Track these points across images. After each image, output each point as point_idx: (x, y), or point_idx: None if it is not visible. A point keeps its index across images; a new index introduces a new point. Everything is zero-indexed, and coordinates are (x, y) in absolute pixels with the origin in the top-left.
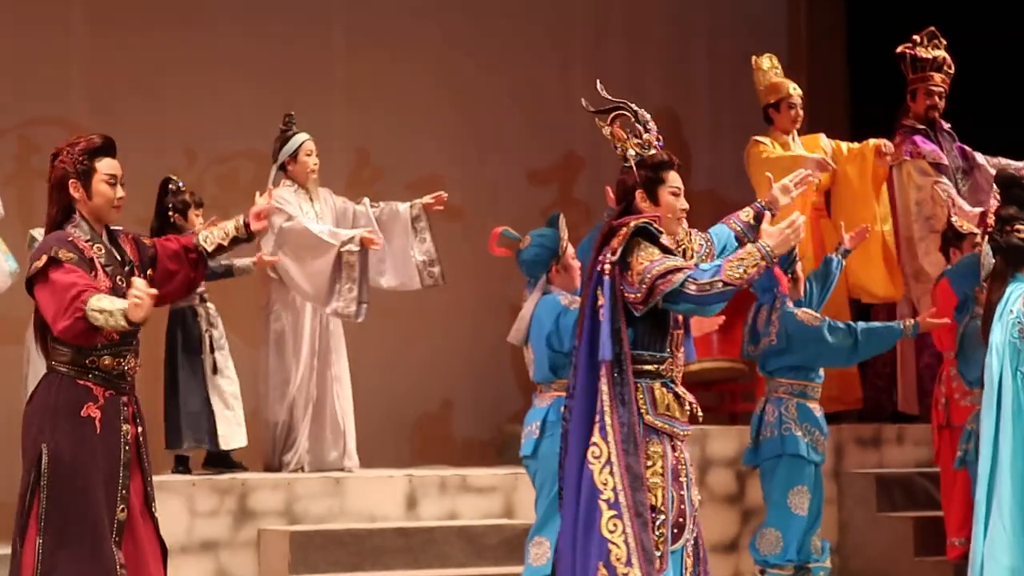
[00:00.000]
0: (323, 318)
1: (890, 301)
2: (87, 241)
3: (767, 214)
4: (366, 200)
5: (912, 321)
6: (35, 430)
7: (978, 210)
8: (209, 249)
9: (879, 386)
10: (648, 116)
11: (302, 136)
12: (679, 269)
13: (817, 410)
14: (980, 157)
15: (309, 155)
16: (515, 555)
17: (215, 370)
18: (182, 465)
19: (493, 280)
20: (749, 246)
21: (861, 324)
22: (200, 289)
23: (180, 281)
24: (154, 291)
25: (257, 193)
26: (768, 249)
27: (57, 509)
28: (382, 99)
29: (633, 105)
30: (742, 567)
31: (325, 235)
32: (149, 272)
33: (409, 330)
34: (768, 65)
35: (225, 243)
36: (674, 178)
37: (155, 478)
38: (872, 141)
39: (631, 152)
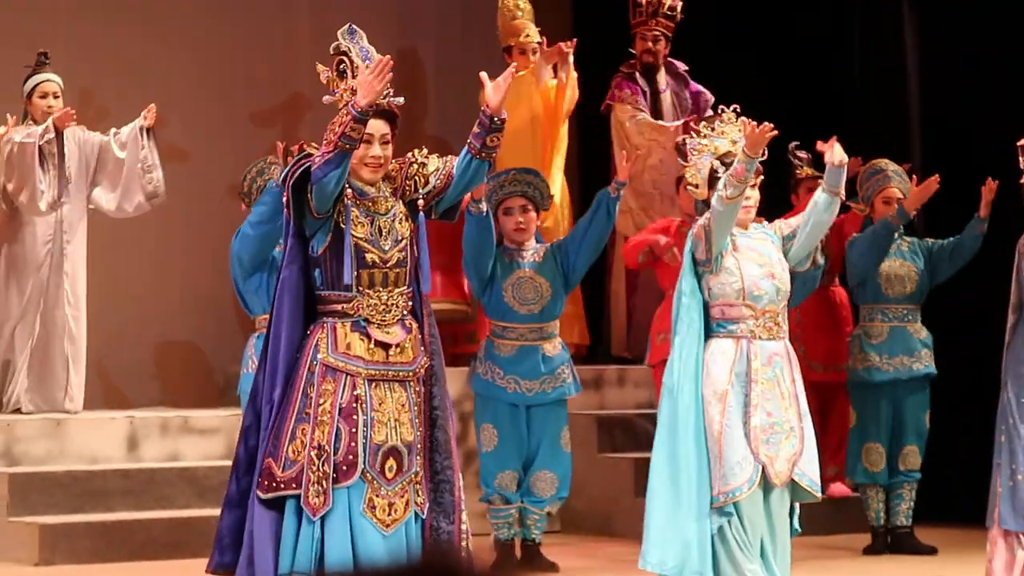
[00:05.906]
0: (54, 255)
1: None
2: None
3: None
4: (112, 130)
5: None
6: None
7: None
8: None
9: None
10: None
11: (40, 77)
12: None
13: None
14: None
15: (44, 97)
16: None
17: None
18: None
19: (212, 220)
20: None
21: None
22: None
23: None
24: None
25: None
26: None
27: None
28: (104, 43)
29: (353, 53)
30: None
31: (25, 138)
32: None
33: (127, 269)
34: (512, 3)
35: None
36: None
37: None
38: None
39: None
